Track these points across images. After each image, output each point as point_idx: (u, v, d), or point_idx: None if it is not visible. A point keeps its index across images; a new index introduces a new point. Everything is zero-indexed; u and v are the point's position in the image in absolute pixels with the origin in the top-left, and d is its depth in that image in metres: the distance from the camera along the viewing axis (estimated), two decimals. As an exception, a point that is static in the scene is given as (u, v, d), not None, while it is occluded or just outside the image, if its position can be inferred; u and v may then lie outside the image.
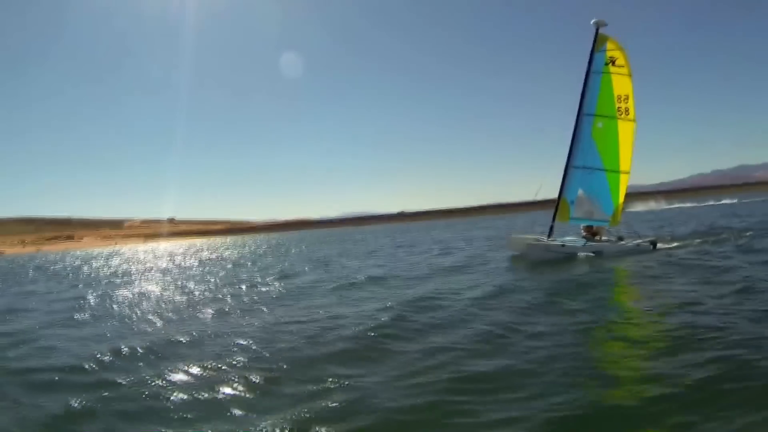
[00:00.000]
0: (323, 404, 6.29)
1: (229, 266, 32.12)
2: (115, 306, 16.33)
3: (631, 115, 21.09)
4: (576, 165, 21.62)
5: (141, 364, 8.71)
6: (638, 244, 21.04)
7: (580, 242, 21.01)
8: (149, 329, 11.97)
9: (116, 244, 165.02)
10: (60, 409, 6.73)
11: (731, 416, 5.41)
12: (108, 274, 33.44)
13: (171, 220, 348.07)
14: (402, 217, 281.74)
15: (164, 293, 19.06)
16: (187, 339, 10.24)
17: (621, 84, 21.21)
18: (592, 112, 21.51)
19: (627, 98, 21.12)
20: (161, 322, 12.81)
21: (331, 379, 7.22)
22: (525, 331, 9.12)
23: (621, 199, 21.36)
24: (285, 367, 7.93)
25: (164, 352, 9.34)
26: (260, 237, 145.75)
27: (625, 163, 21.18)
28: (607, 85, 21.32)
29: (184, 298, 17.21)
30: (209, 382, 7.43)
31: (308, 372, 7.62)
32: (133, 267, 39.78)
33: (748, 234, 23.58)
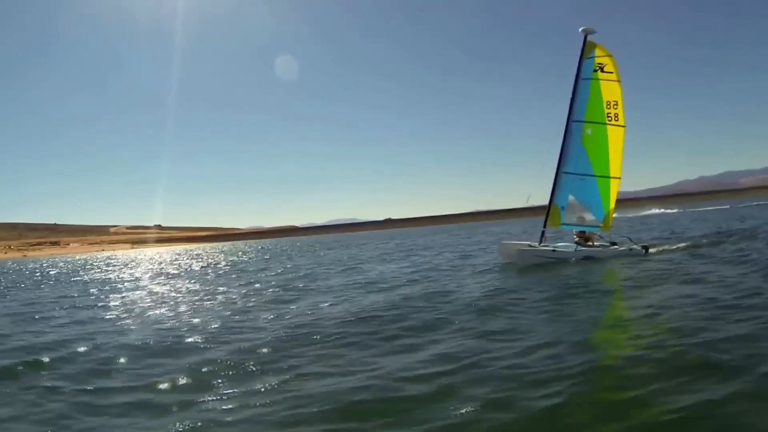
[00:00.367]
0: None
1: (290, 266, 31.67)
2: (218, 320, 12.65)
3: (621, 121, 21.16)
4: (566, 171, 21.64)
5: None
6: (630, 249, 21.11)
7: (572, 248, 21.03)
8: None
9: (103, 249, 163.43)
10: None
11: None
12: (119, 278, 32.33)
13: (158, 227, 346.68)
14: (389, 223, 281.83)
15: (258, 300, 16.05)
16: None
17: (610, 90, 21.28)
18: (581, 118, 21.54)
19: (616, 104, 21.18)
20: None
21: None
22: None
23: (612, 204, 21.39)
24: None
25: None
26: (252, 243, 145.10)
27: (615, 168, 21.23)
28: (596, 91, 21.37)
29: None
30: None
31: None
32: (141, 270, 38.98)
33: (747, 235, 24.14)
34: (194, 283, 24.26)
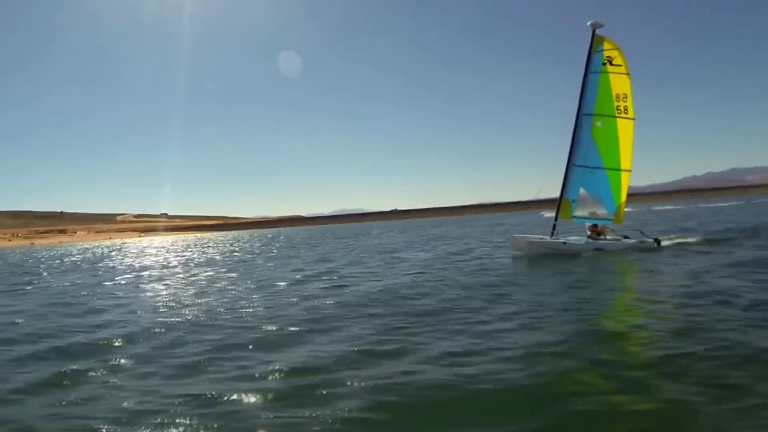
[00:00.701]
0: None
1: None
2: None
3: (630, 114, 21.28)
4: (577, 164, 21.79)
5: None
6: (641, 242, 21.24)
7: (584, 241, 21.21)
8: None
9: (111, 238, 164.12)
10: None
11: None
12: (145, 265, 31.75)
13: (164, 215, 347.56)
14: (396, 214, 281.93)
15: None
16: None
17: (619, 83, 21.41)
18: (591, 111, 21.71)
19: (626, 97, 21.31)
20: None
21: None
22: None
23: (623, 197, 21.49)
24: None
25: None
26: (260, 232, 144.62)
27: (625, 161, 21.34)
28: (605, 84, 21.52)
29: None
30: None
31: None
32: (166, 259, 37.91)
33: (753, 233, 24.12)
34: (256, 272, 22.25)
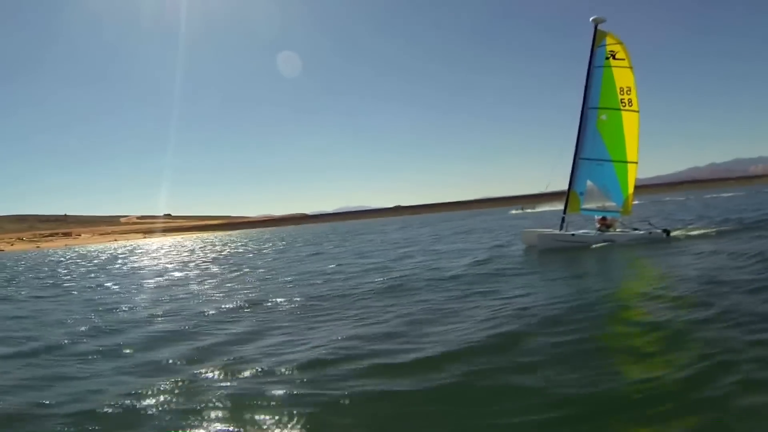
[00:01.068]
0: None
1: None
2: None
3: (635, 106, 21.58)
4: (583, 157, 22.13)
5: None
6: (650, 233, 21.47)
7: (593, 233, 21.51)
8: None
9: (116, 240, 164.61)
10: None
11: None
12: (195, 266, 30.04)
13: (167, 216, 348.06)
14: (399, 210, 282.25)
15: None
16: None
17: (622, 76, 21.75)
18: (595, 105, 22.05)
19: (629, 90, 21.64)
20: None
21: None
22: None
23: (631, 189, 21.77)
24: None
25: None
26: (267, 231, 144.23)
27: (631, 153, 21.65)
28: (609, 78, 21.85)
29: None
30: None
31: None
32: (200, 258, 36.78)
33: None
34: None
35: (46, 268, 40.15)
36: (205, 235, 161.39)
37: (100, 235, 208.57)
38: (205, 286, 18.69)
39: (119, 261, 41.54)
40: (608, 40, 21.94)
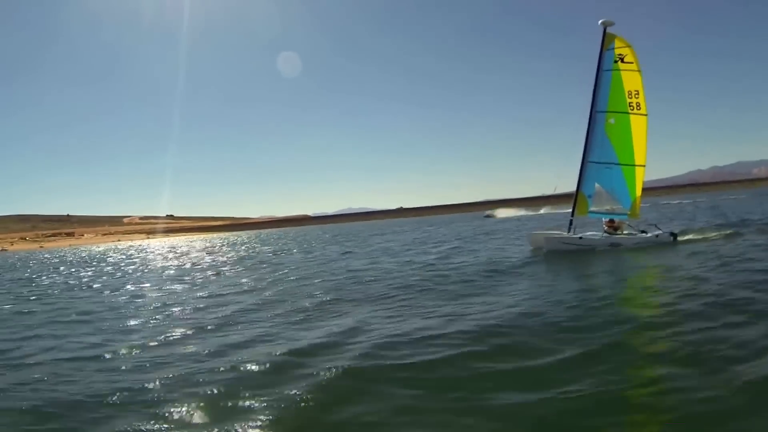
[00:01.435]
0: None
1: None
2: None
3: (643, 110, 21.64)
4: (592, 160, 22.19)
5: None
6: (657, 236, 21.52)
7: (600, 236, 21.57)
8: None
9: (119, 240, 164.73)
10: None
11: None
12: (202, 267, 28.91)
13: (170, 217, 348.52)
14: (402, 212, 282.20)
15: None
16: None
17: (631, 80, 21.78)
18: (604, 108, 22.09)
19: (638, 93, 21.67)
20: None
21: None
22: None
23: (638, 192, 21.85)
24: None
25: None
26: (272, 232, 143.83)
27: (639, 156, 21.72)
28: (617, 81, 21.89)
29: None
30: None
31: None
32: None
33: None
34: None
35: (78, 269, 39.08)
36: (208, 235, 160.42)
37: (104, 236, 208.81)
38: (285, 285, 17.58)
39: (150, 261, 39.70)
40: (617, 43, 21.97)
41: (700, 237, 22.43)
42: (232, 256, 38.36)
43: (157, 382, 7.22)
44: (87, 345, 10.17)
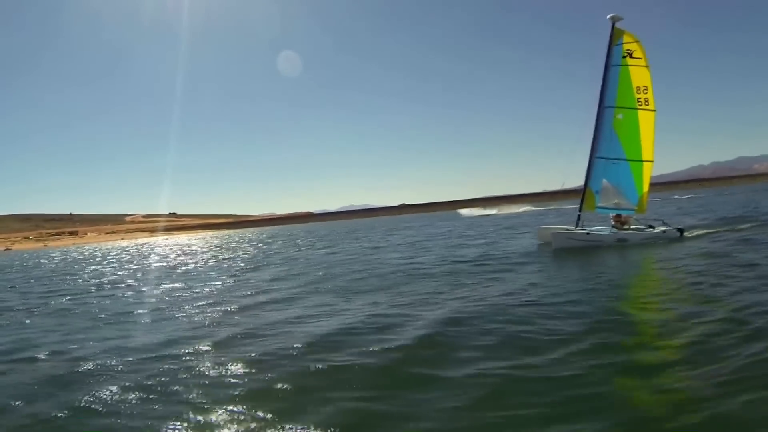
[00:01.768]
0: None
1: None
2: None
3: (651, 105, 21.72)
4: (599, 156, 22.32)
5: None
6: (664, 231, 21.66)
7: (607, 231, 21.70)
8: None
9: (123, 238, 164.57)
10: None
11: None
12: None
13: (173, 215, 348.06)
14: (404, 209, 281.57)
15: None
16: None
17: (639, 75, 21.88)
18: (612, 104, 22.21)
19: (646, 89, 21.76)
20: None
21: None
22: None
23: (645, 187, 21.99)
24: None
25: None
26: (276, 229, 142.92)
27: (647, 152, 21.84)
28: (625, 77, 21.99)
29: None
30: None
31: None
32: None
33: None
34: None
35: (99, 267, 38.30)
36: (213, 233, 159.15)
37: (107, 234, 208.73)
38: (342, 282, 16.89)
39: (170, 260, 37.04)
40: (625, 38, 22.07)
41: (706, 232, 22.57)
42: (261, 252, 37.68)
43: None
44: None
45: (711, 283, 11.28)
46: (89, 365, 8.42)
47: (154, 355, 8.77)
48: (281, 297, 14.52)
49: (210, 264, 29.99)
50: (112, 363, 8.45)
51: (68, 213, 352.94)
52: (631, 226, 22.29)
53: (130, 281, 23.17)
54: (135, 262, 39.06)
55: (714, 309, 9.02)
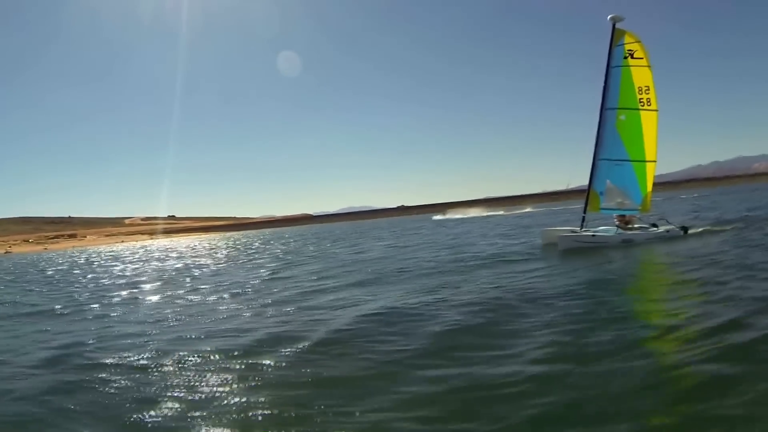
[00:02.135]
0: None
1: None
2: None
3: (653, 105, 21.67)
4: (603, 158, 22.26)
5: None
6: (668, 231, 21.71)
7: (612, 232, 21.69)
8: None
9: (123, 241, 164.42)
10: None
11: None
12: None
13: (171, 217, 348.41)
14: (403, 210, 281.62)
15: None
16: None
17: (641, 75, 21.80)
18: (614, 105, 22.12)
19: (648, 89, 21.70)
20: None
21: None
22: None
23: (649, 187, 21.97)
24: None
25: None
26: (278, 230, 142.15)
27: (650, 152, 21.82)
28: (627, 78, 21.90)
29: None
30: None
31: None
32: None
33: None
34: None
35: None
36: (215, 235, 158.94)
37: (106, 237, 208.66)
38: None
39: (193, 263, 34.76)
40: (626, 38, 21.98)
41: (710, 230, 22.61)
42: (278, 252, 37.34)
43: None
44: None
45: (717, 280, 11.32)
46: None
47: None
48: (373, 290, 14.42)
49: (259, 261, 29.73)
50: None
51: (67, 216, 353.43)
52: (635, 226, 22.29)
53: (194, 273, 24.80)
54: (169, 260, 39.37)
55: (724, 305, 9.00)
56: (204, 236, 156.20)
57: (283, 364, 7.76)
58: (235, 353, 8.42)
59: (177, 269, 29.08)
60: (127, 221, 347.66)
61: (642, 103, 21.81)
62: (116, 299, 17.48)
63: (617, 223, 22.42)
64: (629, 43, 21.95)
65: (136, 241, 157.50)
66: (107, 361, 8.58)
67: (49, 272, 36.27)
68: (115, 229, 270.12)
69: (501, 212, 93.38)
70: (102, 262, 47.05)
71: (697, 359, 6.49)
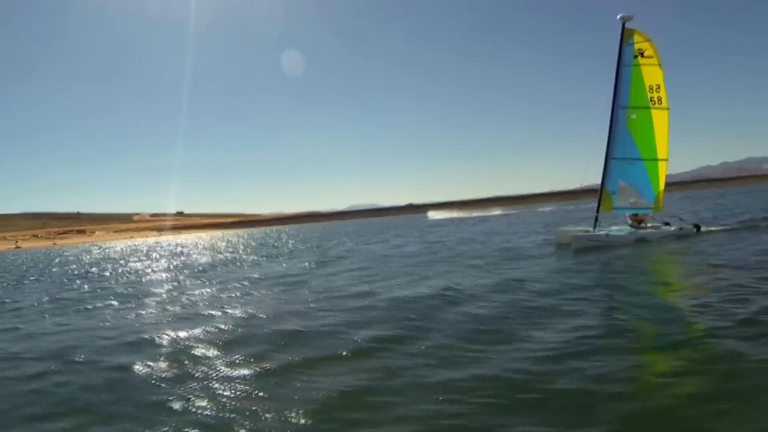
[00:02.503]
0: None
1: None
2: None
3: (664, 104, 21.75)
4: (615, 157, 22.29)
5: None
6: (681, 229, 21.80)
7: (625, 231, 21.70)
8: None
9: (132, 237, 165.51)
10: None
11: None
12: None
13: (180, 214, 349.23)
14: (412, 209, 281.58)
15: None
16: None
17: (651, 74, 21.87)
18: (625, 104, 22.17)
19: (659, 87, 21.79)
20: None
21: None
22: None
23: (661, 185, 22.06)
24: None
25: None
26: (288, 227, 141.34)
27: (662, 150, 21.89)
28: (638, 76, 21.97)
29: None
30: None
31: None
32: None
33: None
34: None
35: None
36: (223, 232, 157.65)
37: (115, 233, 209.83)
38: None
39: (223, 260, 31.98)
40: (636, 37, 22.02)
41: (721, 229, 22.63)
42: (322, 249, 35.68)
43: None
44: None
45: (731, 282, 11.11)
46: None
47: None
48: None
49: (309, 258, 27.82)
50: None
51: (76, 212, 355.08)
52: (648, 225, 22.32)
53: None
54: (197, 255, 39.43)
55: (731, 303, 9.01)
56: (213, 233, 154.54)
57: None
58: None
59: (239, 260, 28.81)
60: (135, 217, 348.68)
61: (653, 102, 21.86)
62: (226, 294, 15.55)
63: (630, 222, 22.44)
64: (639, 42, 22.00)
65: (146, 237, 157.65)
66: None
67: (93, 269, 32.76)
68: (123, 225, 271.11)
69: (514, 211, 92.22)
70: (126, 258, 45.22)
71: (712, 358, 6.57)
